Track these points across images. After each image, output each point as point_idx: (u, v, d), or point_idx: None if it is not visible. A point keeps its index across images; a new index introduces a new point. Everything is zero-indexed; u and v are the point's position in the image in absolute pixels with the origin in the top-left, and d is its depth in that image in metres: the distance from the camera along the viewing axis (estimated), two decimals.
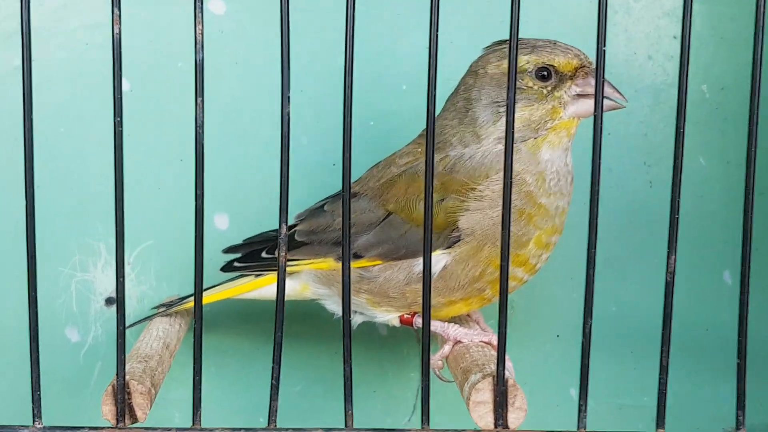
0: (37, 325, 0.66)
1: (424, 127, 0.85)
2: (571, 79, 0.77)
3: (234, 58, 0.97)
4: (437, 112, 0.84)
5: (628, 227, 1.02)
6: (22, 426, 0.66)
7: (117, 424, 0.66)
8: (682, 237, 0.69)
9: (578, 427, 0.66)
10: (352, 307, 0.81)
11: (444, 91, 0.97)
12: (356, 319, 0.83)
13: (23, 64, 0.60)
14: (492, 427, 0.65)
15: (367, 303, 0.81)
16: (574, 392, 1.04)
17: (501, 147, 0.77)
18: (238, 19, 0.97)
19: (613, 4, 0.98)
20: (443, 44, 0.95)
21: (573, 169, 0.80)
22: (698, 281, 1.04)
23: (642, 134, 1.01)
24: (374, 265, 0.79)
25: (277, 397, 0.66)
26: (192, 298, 0.88)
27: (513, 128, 0.62)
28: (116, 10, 0.59)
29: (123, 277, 0.65)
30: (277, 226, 0.94)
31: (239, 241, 0.97)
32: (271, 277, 0.85)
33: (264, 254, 0.87)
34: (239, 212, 0.99)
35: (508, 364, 0.78)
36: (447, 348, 0.79)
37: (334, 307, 0.84)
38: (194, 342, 0.65)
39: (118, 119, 0.62)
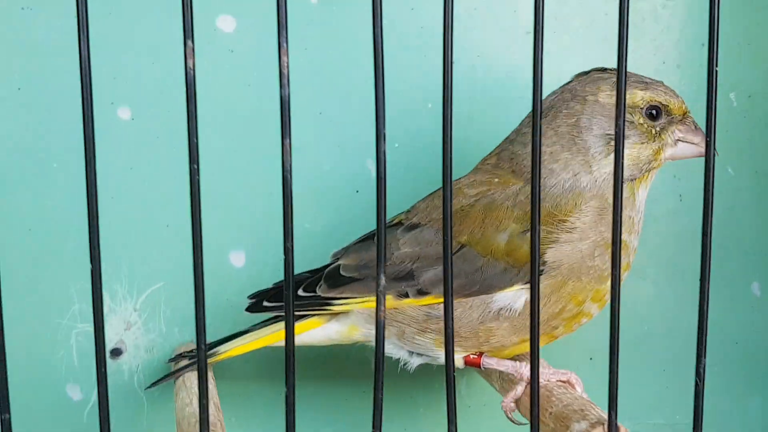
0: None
1: (488, 152, 0.80)
2: (678, 123, 0.75)
3: (246, 80, 0.89)
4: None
5: (659, 241, 0.98)
6: None
7: None
8: None
9: None
10: (414, 349, 0.76)
11: (470, 108, 0.92)
12: (413, 362, 0.77)
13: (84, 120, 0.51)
14: None
15: (434, 344, 0.74)
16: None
17: (602, 178, 0.73)
18: (248, 37, 0.89)
19: (641, 11, 0.94)
20: (468, 59, 0.91)
21: None
22: (726, 293, 1.01)
23: None
24: (441, 303, 0.73)
25: None
26: (223, 347, 0.80)
27: (622, 158, 0.56)
28: (189, 43, 0.51)
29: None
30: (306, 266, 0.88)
31: (256, 279, 0.89)
32: (315, 321, 0.77)
33: (301, 291, 0.78)
34: (256, 248, 0.90)
35: (578, 379, 0.73)
36: (520, 389, 0.73)
37: (389, 347, 0.77)
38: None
39: (195, 166, 0.53)
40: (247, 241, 0.90)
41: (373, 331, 0.76)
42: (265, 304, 0.79)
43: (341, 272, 0.77)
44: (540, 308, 0.71)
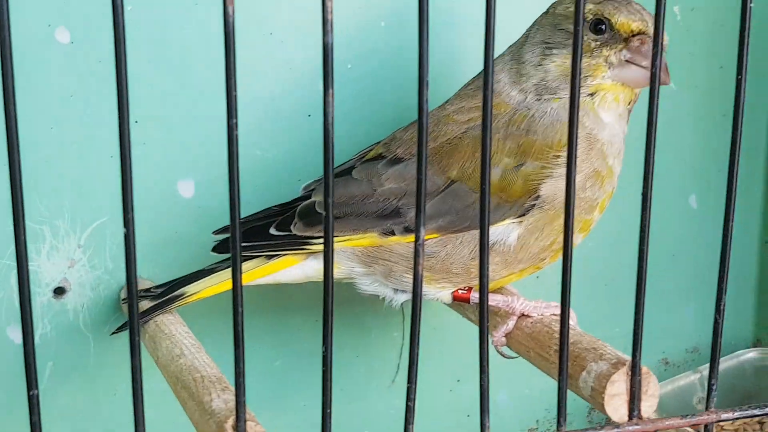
0: None
1: (475, 72, 0.77)
2: (625, 41, 0.70)
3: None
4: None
5: None
6: None
7: None
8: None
9: None
10: (401, 287, 0.74)
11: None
12: (398, 299, 0.75)
13: None
14: (626, 419, 0.60)
15: (423, 281, 0.72)
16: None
17: (557, 102, 0.71)
18: None
19: None
20: None
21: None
22: (665, 206, 1.03)
23: None
24: (429, 239, 0.71)
25: None
26: (191, 288, 0.77)
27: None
28: None
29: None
30: (273, 201, 0.84)
31: (207, 210, 0.85)
32: (292, 259, 0.74)
33: (273, 230, 0.75)
34: (205, 177, 0.86)
35: (573, 314, 0.73)
36: (511, 323, 0.72)
37: (375, 286, 0.75)
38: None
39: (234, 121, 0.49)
40: (196, 170, 0.85)
41: (358, 269, 0.74)
42: None
43: (317, 209, 0.74)
44: (533, 242, 0.70)
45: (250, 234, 0.76)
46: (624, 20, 0.70)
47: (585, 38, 0.69)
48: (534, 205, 0.69)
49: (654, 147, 0.56)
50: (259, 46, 0.85)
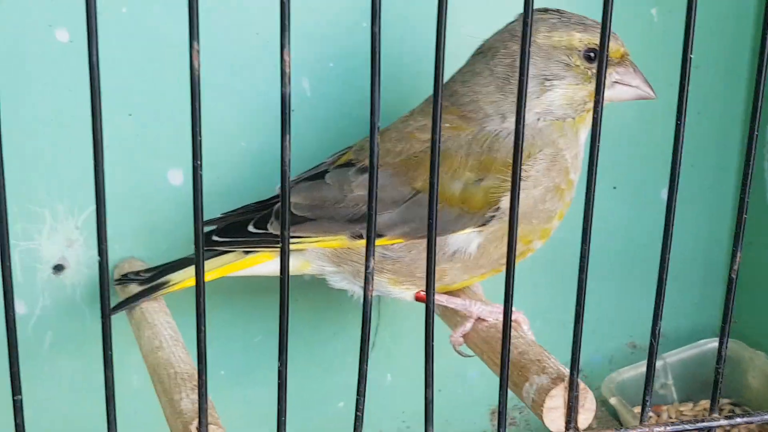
0: None
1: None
2: (616, 65, 0.76)
3: None
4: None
5: None
6: None
7: None
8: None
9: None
10: None
11: (400, 33, 0.93)
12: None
13: None
14: (563, 430, 0.66)
15: (388, 282, 0.78)
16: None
17: (543, 123, 0.76)
18: None
19: None
20: None
21: None
22: (637, 200, 1.08)
23: None
24: (394, 244, 0.76)
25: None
26: (175, 276, 0.82)
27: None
28: (195, 44, 0.51)
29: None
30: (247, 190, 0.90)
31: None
32: (266, 255, 0.80)
33: (251, 228, 0.80)
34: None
35: (524, 319, 0.78)
36: (468, 325, 0.78)
37: (343, 284, 0.81)
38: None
39: (197, 162, 0.54)
40: (185, 159, 0.91)
41: (328, 268, 0.80)
42: (215, 238, 0.81)
43: (293, 210, 0.79)
44: (492, 250, 0.75)
45: (231, 230, 0.81)
46: (614, 46, 0.76)
47: (582, 67, 0.76)
48: (494, 216, 0.74)
49: (597, 155, 0.60)
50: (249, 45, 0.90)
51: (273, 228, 0.79)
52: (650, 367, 0.66)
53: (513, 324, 0.76)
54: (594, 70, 0.75)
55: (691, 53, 0.59)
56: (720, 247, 1.15)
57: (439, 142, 0.55)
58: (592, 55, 0.75)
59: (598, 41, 0.74)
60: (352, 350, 1.02)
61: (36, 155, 0.86)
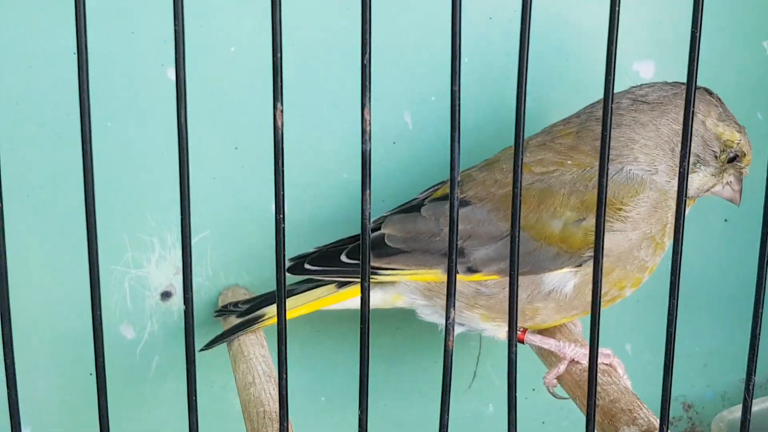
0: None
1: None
2: (738, 169, 0.78)
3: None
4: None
5: None
6: None
7: None
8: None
9: None
10: (460, 320, 0.79)
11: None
12: (456, 330, 0.81)
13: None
14: None
15: (481, 318, 0.78)
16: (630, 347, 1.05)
17: (668, 186, 0.76)
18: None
19: None
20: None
21: None
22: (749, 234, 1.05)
23: None
24: (489, 280, 0.76)
25: None
26: (268, 311, 0.84)
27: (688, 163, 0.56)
28: (279, 105, 0.53)
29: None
30: (351, 230, 0.91)
31: (297, 229, 0.93)
32: (358, 290, 0.81)
33: (344, 258, 0.81)
34: (294, 200, 0.95)
35: (619, 363, 0.77)
36: (562, 367, 0.77)
37: (435, 318, 0.81)
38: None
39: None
40: (287, 194, 0.93)
41: (420, 301, 0.80)
42: (307, 266, 0.82)
43: (386, 242, 0.80)
44: (587, 292, 0.75)
45: (323, 258, 0.83)
46: (750, 157, 0.78)
47: (723, 163, 0.77)
48: (592, 257, 0.73)
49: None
50: (349, 75, 0.92)
51: None
52: (746, 410, 0.63)
53: (608, 369, 0.75)
54: (726, 169, 0.77)
55: None
56: None
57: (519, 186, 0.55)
58: (735, 156, 0.77)
59: (745, 149, 0.77)
60: (453, 380, 1.02)
61: (147, 187, 0.90)
